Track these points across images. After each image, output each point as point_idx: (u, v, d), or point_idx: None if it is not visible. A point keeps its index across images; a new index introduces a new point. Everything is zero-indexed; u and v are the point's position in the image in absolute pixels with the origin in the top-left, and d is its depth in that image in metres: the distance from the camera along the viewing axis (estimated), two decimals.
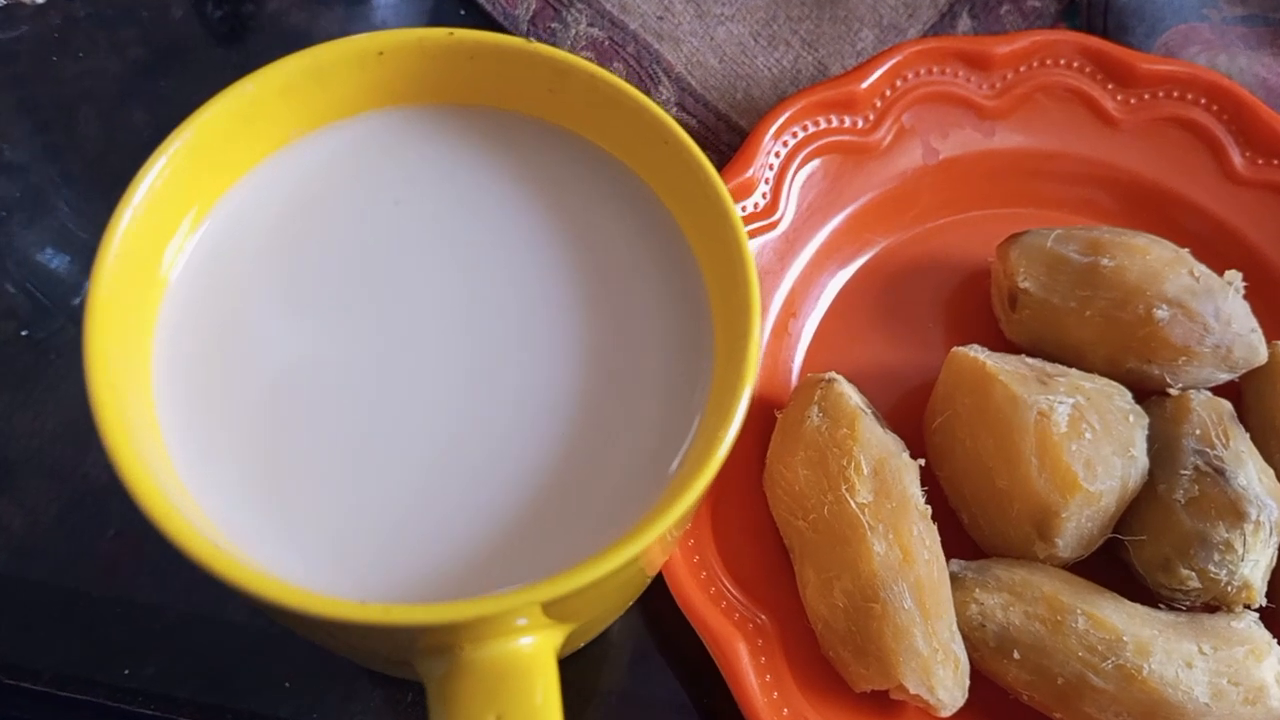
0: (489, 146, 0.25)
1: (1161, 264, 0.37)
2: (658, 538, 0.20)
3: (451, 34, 0.23)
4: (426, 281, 0.24)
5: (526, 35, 0.45)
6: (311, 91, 0.24)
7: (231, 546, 0.21)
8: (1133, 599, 0.35)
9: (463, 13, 0.45)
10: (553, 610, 0.21)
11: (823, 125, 0.41)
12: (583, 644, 0.28)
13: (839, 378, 0.36)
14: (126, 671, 0.35)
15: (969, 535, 0.37)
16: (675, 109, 0.44)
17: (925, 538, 0.34)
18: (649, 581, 0.29)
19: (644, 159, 0.25)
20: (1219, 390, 0.38)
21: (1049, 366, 0.37)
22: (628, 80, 0.43)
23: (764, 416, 0.38)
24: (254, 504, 0.22)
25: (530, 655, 0.21)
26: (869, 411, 0.36)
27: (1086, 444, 0.34)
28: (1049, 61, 0.42)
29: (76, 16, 0.46)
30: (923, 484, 0.36)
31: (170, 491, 0.20)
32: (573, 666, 0.37)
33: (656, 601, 0.36)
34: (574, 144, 0.25)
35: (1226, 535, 0.34)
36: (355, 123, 0.25)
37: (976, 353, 0.36)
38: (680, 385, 0.23)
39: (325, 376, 0.23)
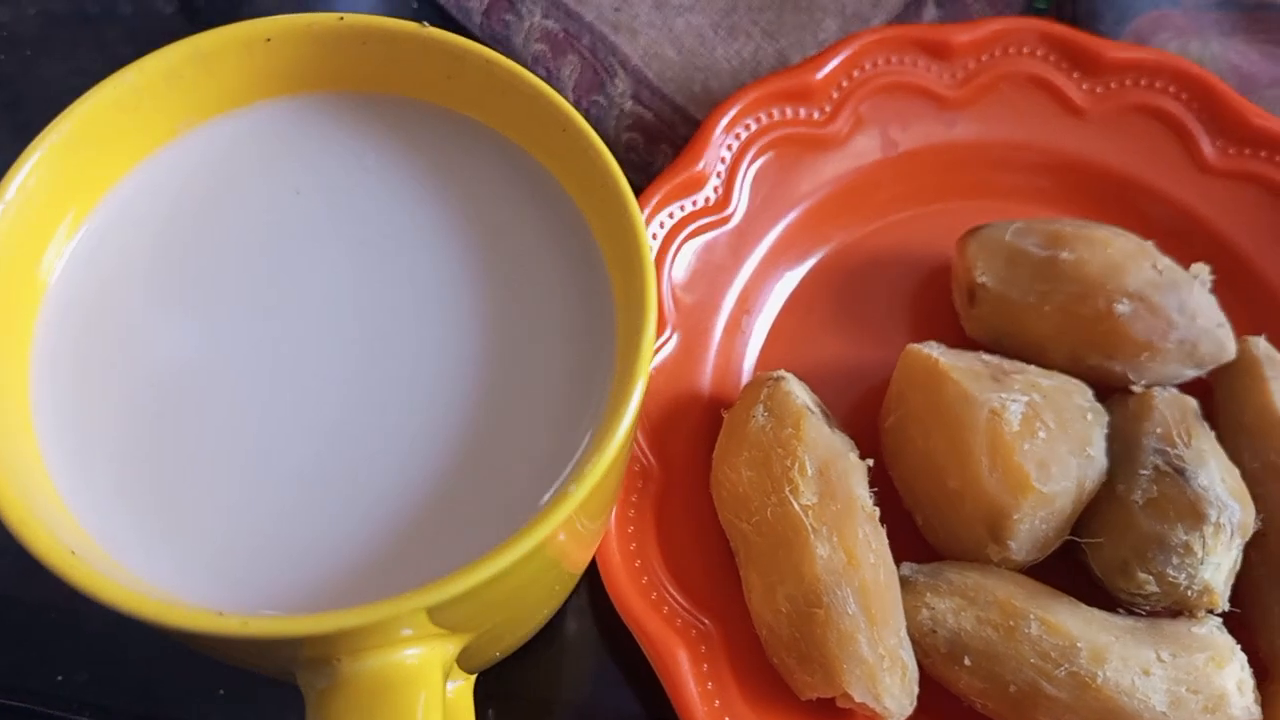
0: (388, 134, 0.24)
1: (1123, 256, 0.36)
2: (549, 536, 0.19)
3: (341, 19, 0.23)
4: (321, 275, 0.23)
5: (480, 27, 0.44)
6: (198, 80, 0.23)
7: (100, 554, 0.20)
8: (1093, 604, 0.34)
9: (415, 5, 0.45)
10: (441, 618, 0.20)
11: (777, 117, 0.40)
12: (499, 653, 0.27)
13: (788, 376, 0.35)
14: (59, 678, 0.34)
15: (923, 538, 0.36)
16: (631, 102, 0.43)
17: (872, 540, 0.33)
18: (572, 583, 0.28)
19: (544, 145, 0.24)
20: (1188, 388, 0.37)
21: (1006, 363, 0.36)
22: (583, 73, 0.43)
23: (714, 416, 0.37)
24: (130, 511, 0.21)
25: (414, 668, 0.20)
26: (817, 411, 0.35)
27: (1040, 443, 0.33)
28: (1011, 50, 0.41)
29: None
30: (877, 485, 0.35)
31: (35, 497, 0.19)
32: (516, 676, 0.36)
33: (608, 608, 0.35)
34: (473, 130, 0.24)
35: (1185, 537, 0.32)
36: (249, 112, 0.24)
37: (930, 349, 0.35)
38: (580, 380, 0.22)
39: (208, 378, 0.22)
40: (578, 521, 0.23)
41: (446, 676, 0.21)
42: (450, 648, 0.21)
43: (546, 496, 0.19)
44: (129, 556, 0.20)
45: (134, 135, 0.23)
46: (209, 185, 0.24)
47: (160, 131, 0.23)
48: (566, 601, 0.37)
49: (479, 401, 0.22)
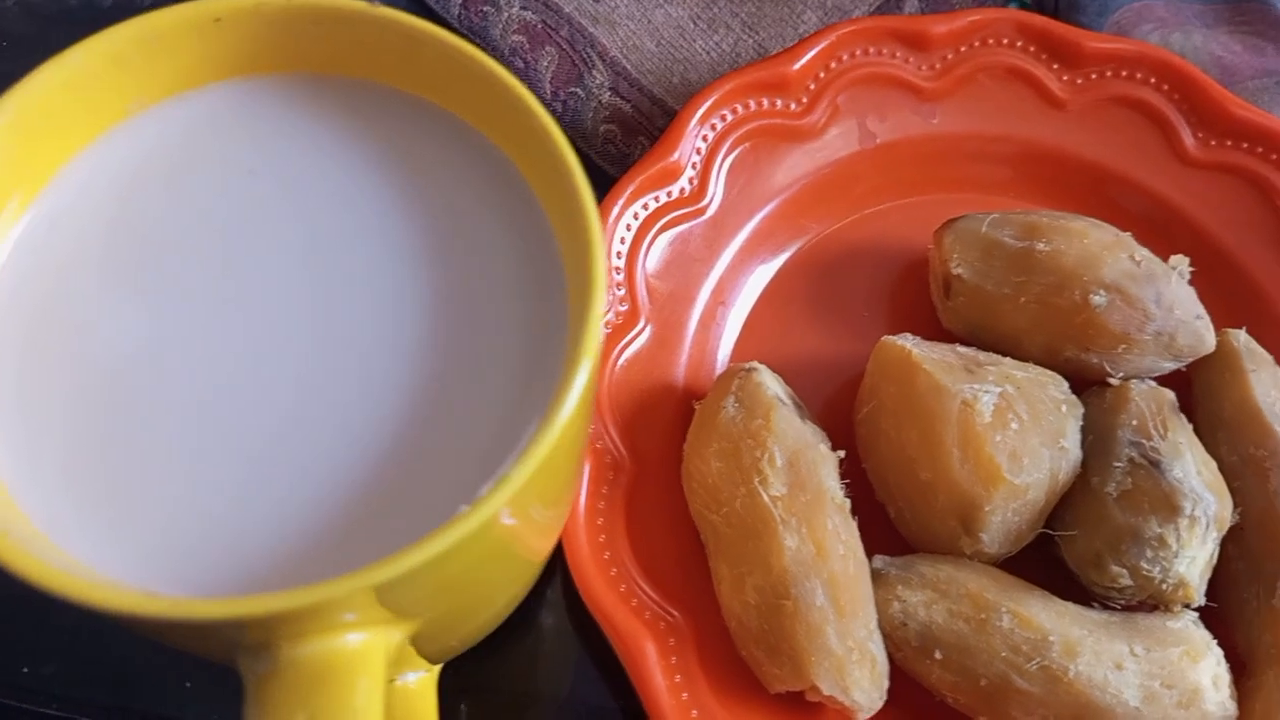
0: (342, 115, 0.24)
1: (1100, 248, 0.36)
2: (488, 520, 0.19)
3: None
4: (273, 257, 0.23)
5: (458, 19, 0.44)
6: (147, 61, 0.23)
7: (37, 536, 0.20)
8: (1068, 598, 0.33)
9: None
10: (384, 603, 0.20)
11: (753, 108, 0.40)
12: (457, 642, 0.27)
13: (760, 367, 0.35)
14: (25, 670, 0.34)
15: (897, 530, 0.35)
16: (609, 94, 0.43)
17: (841, 532, 0.32)
18: (532, 572, 0.28)
19: (497, 126, 0.24)
20: (1167, 381, 0.37)
21: (981, 355, 0.35)
22: (561, 64, 0.43)
23: (687, 408, 0.37)
24: (75, 496, 0.21)
25: (354, 653, 0.20)
26: (789, 402, 0.34)
27: (1012, 434, 0.33)
28: (990, 41, 0.41)
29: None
30: (850, 478, 0.34)
31: None
32: (490, 669, 0.36)
33: (582, 600, 0.35)
34: (427, 111, 0.24)
35: (1159, 530, 0.32)
36: (202, 94, 0.24)
37: (904, 341, 0.35)
38: (529, 363, 0.22)
39: (156, 363, 0.22)
40: (530, 508, 0.23)
41: (391, 664, 0.21)
42: (396, 635, 0.21)
43: (491, 480, 0.19)
44: (73, 541, 0.20)
45: (82, 117, 0.23)
46: (159, 167, 0.23)
47: (109, 113, 0.23)
48: (540, 594, 0.37)
49: (427, 384, 0.22)
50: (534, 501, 0.22)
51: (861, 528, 0.34)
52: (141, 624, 0.19)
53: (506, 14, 0.43)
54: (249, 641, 0.19)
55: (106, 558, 0.20)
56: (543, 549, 0.27)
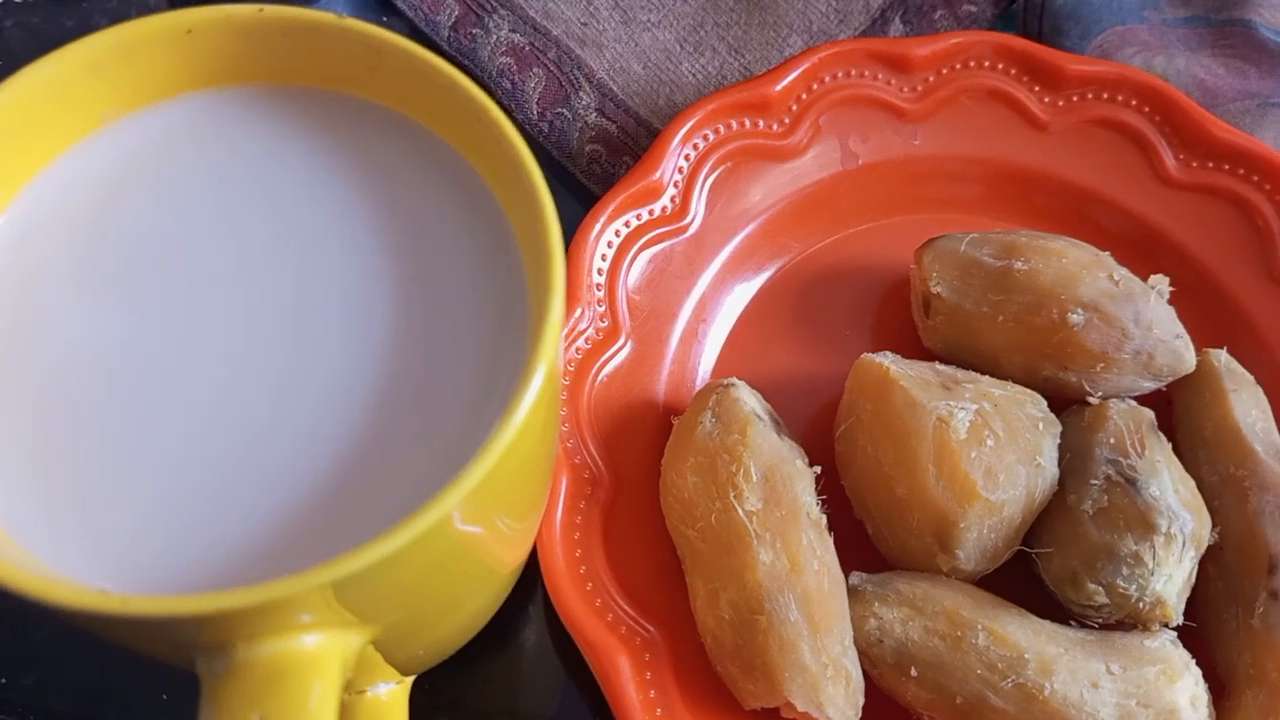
0: (312, 124, 0.25)
1: (1078, 267, 0.36)
2: (438, 522, 0.19)
3: (261, 10, 0.23)
4: (242, 262, 0.23)
5: (448, 41, 0.44)
6: (121, 71, 0.23)
7: (2, 536, 0.20)
8: (1047, 617, 0.33)
9: (385, 19, 0.45)
10: (340, 604, 0.20)
11: (736, 128, 0.40)
12: (423, 651, 0.27)
13: (738, 383, 0.35)
14: (3, 681, 0.34)
15: (875, 547, 0.35)
16: (596, 114, 0.43)
17: (816, 547, 0.32)
18: (500, 583, 0.28)
19: (461, 134, 0.24)
20: (1148, 400, 0.37)
21: (959, 373, 0.35)
22: (548, 85, 0.43)
23: (667, 425, 0.37)
24: (35, 496, 0.21)
25: (310, 655, 0.20)
26: (766, 418, 0.34)
27: (988, 451, 0.33)
28: (971, 63, 0.41)
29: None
30: (830, 495, 0.34)
31: None
32: (467, 686, 0.36)
33: (551, 616, 0.35)
34: (393, 120, 0.25)
35: (1135, 548, 0.32)
36: (176, 103, 0.24)
37: (883, 359, 0.35)
38: (490, 367, 0.22)
39: (123, 364, 0.22)
40: (491, 515, 0.23)
41: (351, 669, 0.21)
42: (355, 639, 0.21)
43: (445, 483, 0.19)
44: (39, 544, 0.20)
45: (58, 124, 0.23)
46: (133, 174, 0.24)
47: (86, 121, 0.24)
48: (520, 610, 0.37)
49: (391, 389, 0.22)
50: (495, 509, 0.22)
51: (840, 545, 0.34)
52: (98, 623, 0.19)
53: (495, 36, 0.44)
54: (206, 642, 0.20)
55: (72, 560, 0.20)
56: (510, 561, 0.27)
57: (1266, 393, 0.38)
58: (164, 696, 0.34)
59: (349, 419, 0.22)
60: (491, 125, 0.22)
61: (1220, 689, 0.34)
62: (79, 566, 0.21)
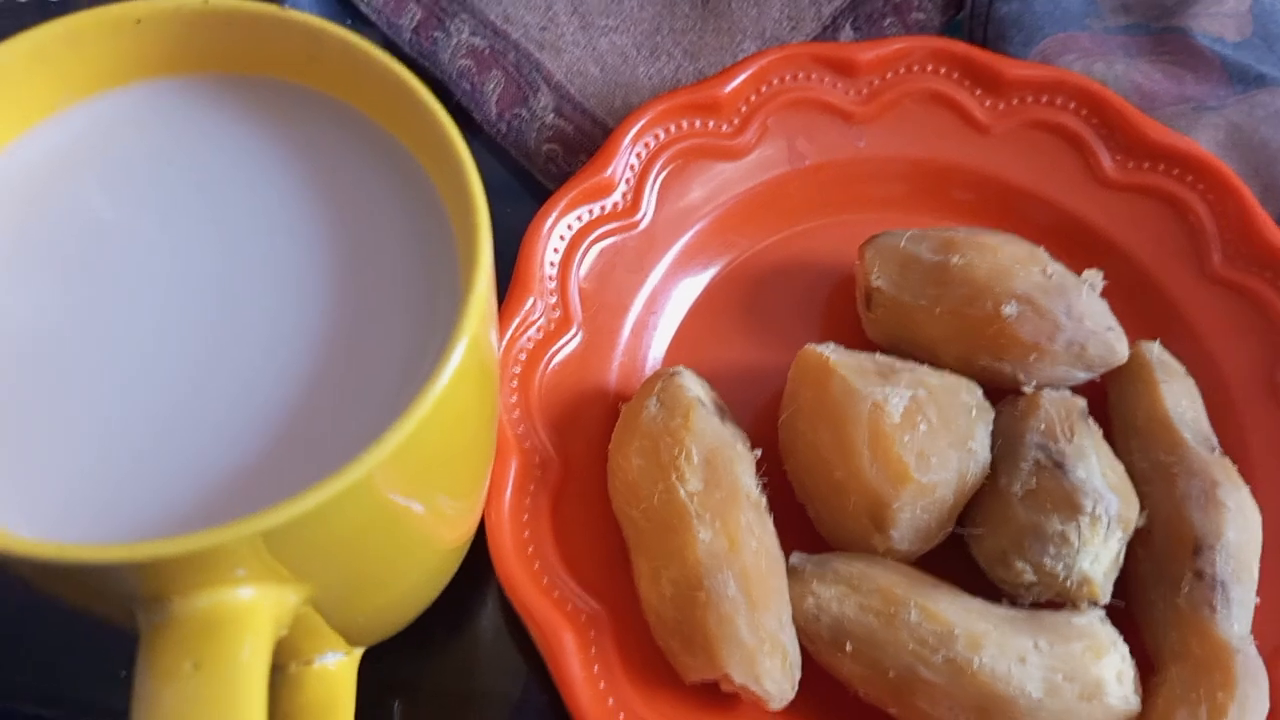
0: (254, 110, 0.26)
1: (1012, 261, 0.37)
2: (360, 481, 0.20)
3: (207, 2, 0.24)
4: (186, 236, 0.24)
5: (409, 43, 0.46)
6: (70, 60, 0.24)
7: None
8: (981, 596, 0.34)
9: (349, 22, 0.46)
10: (276, 556, 0.21)
11: (686, 128, 0.41)
12: (365, 620, 0.28)
13: (684, 371, 0.36)
14: None
15: (816, 530, 0.37)
16: (553, 115, 0.45)
17: (755, 527, 0.34)
18: (439, 559, 0.29)
19: (395, 118, 0.25)
20: (1084, 391, 0.38)
21: (898, 363, 0.37)
22: (506, 87, 0.44)
23: (616, 412, 0.38)
24: None
25: (244, 607, 0.21)
26: (709, 404, 0.36)
27: (921, 436, 0.34)
28: (915, 68, 0.43)
29: None
30: (774, 480, 0.36)
31: None
32: (423, 667, 0.37)
33: (506, 598, 0.36)
34: (332, 106, 0.26)
35: (1061, 528, 0.33)
36: (126, 91, 0.25)
37: (824, 349, 0.36)
38: (423, 338, 0.23)
39: (65, 331, 0.23)
40: (426, 486, 0.24)
41: (282, 624, 0.22)
42: (288, 595, 0.22)
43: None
44: None
45: (8, 112, 0.24)
46: (82, 157, 0.25)
47: (36, 108, 0.25)
48: (474, 593, 0.38)
49: (322, 354, 0.23)
50: (424, 479, 0.23)
51: (782, 528, 0.35)
52: (38, 573, 0.20)
53: (456, 39, 0.45)
54: (144, 595, 0.21)
55: (11, 518, 0.21)
56: (449, 537, 0.28)
57: (1198, 384, 0.39)
58: (122, 674, 0.35)
59: (283, 385, 0.23)
60: (425, 110, 0.23)
61: (1150, 667, 0.35)
62: (18, 524, 0.22)
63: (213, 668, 0.20)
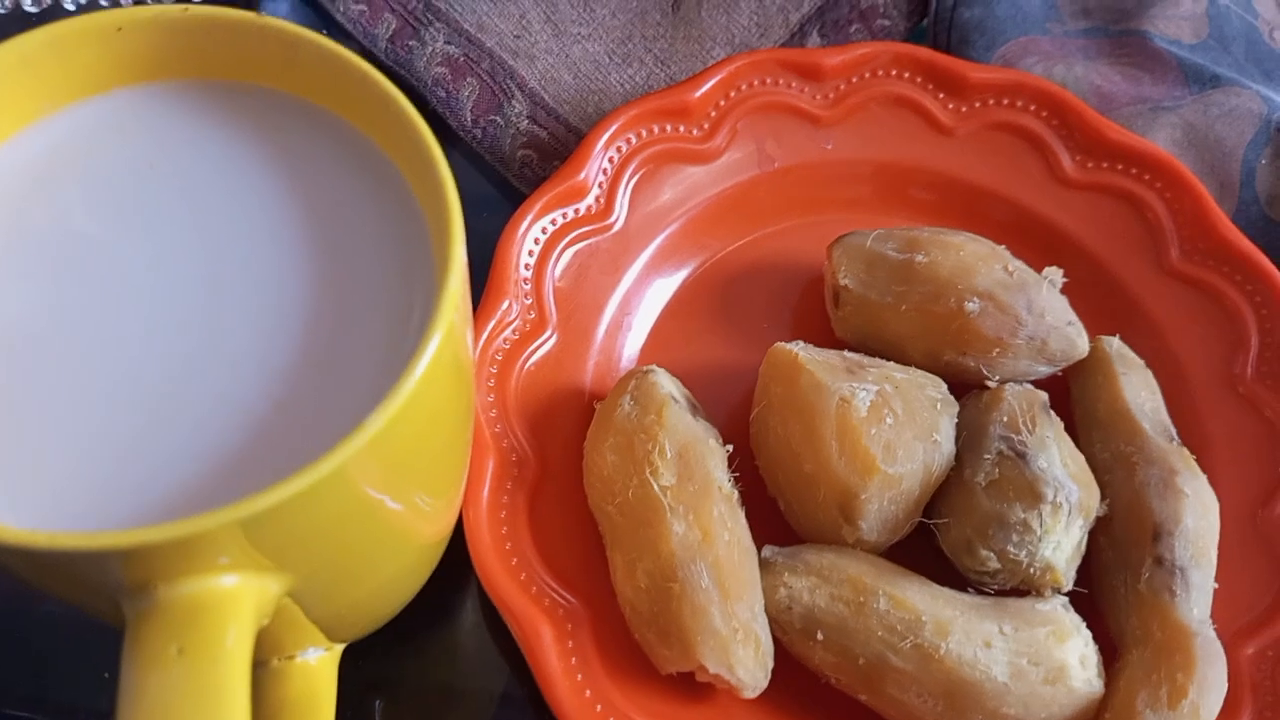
0: (233, 114, 0.27)
1: (975, 259, 0.38)
2: (337, 470, 0.21)
3: (186, 9, 0.25)
4: (169, 235, 0.25)
5: (385, 52, 0.46)
6: (53, 66, 0.25)
7: None
8: (948, 586, 0.35)
9: (326, 32, 0.47)
10: (256, 545, 0.21)
11: (657, 133, 0.42)
12: (346, 611, 0.28)
13: (657, 369, 0.37)
14: None
15: (787, 523, 0.37)
16: (528, 121, 0.46)
17: (727, 519, 0.34)
18: (415, 554, 0.30)
19: (370, 120, 0.26)
20: (1045, 385, 0.39)
21: (865, 359, 0.38)
22: (481, 94, 0.45)
23: (591, 411, 0.39)
24: None
25: (227, 594, 0.21)
26: (682, 401, 0.36)
27: (887, 428, 0.35)
28: (880, 72, 0.44)
29: None
30: (745, 475, 0.36)
31: None
32: (405, 665, 0.37)
33: (485, 595, 0.36)
34: (309, 110, 0.27)
35: (1023, 515, 0.34)
36: (108, 98, 0.26)
37: (793, 346, 0.37)
38: (398, 332, 0.24)
39: (37, 327, 0.24)
40: (402, 479, 0.25)
41: (264, 613, 0.23)
42: (270, 584, 0.23)
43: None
44: None
45: None
46: (66, 160, 0.26)
47: (22, 114, 0.26)
48: (454, 591, 0.39)
49: (301, 350, 0.24)
50: (401, 471, 0.24)
51: (755, 522, 0.36)
52: (28, 562, 0.21)
53: (431, 48, 0.46)
54: (129, 583, 0.21)
55: (3, 511, 0.22)
56: (428, 533, 0.29)
57: (1157, 376, 0.40)
58: (106, 675, 0.36)
59: (264, 381, 0.23)
60: (399, 113, 0.24)
61: (1113, 652, 0.36)
62: (7, 515, 0.22)
63: (197, 652, 0.20)
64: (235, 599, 0.22)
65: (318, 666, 0.30)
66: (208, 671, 0.20)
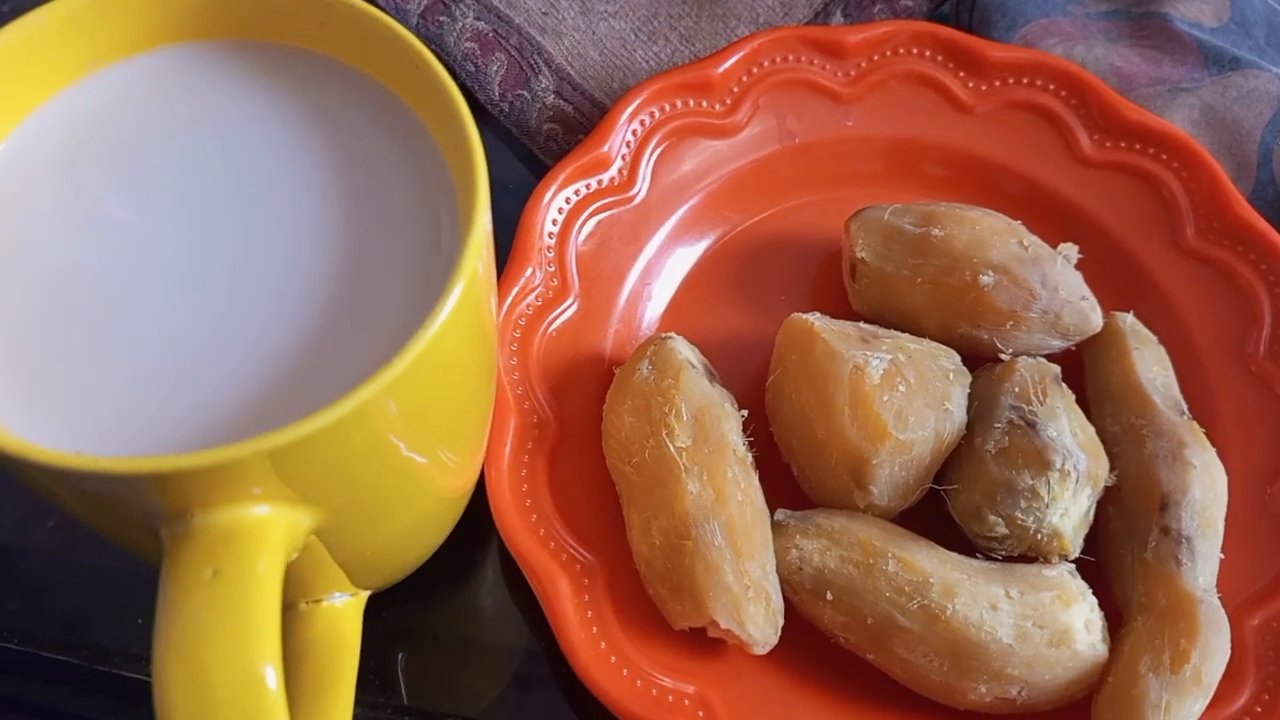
0: (270, 73, 0.28)
1: (990, 233, 0.39)
2: (363, 405, 0.22)
3: None
4: (209, 186, 0.26)
5: (416, 27, 0.47)
6: (100, 25, 0.26)
7: None
8: (956, 551, 0.36)
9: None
10: (285, 477, 0.23)
11: (680, 107, 0.43)
12: (370, 553, 0.29)
13: (675, 336, 0.38)
14: None
15: (800, 488, 0.38)
16: (554, 96, 0.46)
17: (741, 481, 0.35)
18: (438, 507, 0.31)
19: (401, 80, 0.27)
20: (1059, 358, 0.40)
21: (880, 331, 0.38)
22: (509, 69, 0.46)
23: (610, 375, 0.40)
24: (13, 380, 0.24)
25: (260, 521, 0.23)
26: (699, 366, 0.37)
27: (899, 396, 0.36)
28: (901, 50, 0.45)
29: None
30: (761, 441, 0.37)
31: None
32: (428, 618, 0.39)
33: (505, 553, 0.38)
34: (341, 69, 0.28)
35: (1032, 482, 0.35)
36: (151, 55, 0.28)
37: (810, 316, 0.38)
38: (426, 279, 0.25)
39: (88, 271, 0.25)
40: (424, 422, 0.26)
41: (294, 543, 0.24)
42: (300, 518, 0.24)
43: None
44: (15, 421, 0.23)
45: (42, 74, 0.26)
46: (112, 115, 0.27)
47: (69, 70, 0.27)
48: (475, 549, 0.40)
49: (334, 294, 0.25)
50: (422, 414, 0.25)
51: (768, 487, 0.37)
52: (71, 484, 0.22)
53: (460, 24, 0.47)
54: (169, 509, 0.22)
55: (50, 437, 0.23)
56: (448, 487, 0.30)
57: (1169, 352, 0.40)
58: (139, 621, 0.37)
59: (298, 323, 0.25)
60: (428, 72, 0.25)
61: (1119, 620, 0.36)
62: (57, 443, 0.23)
63: (231, 574, 0.22)
64: (267, 527, 0.23)
65: (343, 610, 0.31)
66: (241, 592, 0.21)
